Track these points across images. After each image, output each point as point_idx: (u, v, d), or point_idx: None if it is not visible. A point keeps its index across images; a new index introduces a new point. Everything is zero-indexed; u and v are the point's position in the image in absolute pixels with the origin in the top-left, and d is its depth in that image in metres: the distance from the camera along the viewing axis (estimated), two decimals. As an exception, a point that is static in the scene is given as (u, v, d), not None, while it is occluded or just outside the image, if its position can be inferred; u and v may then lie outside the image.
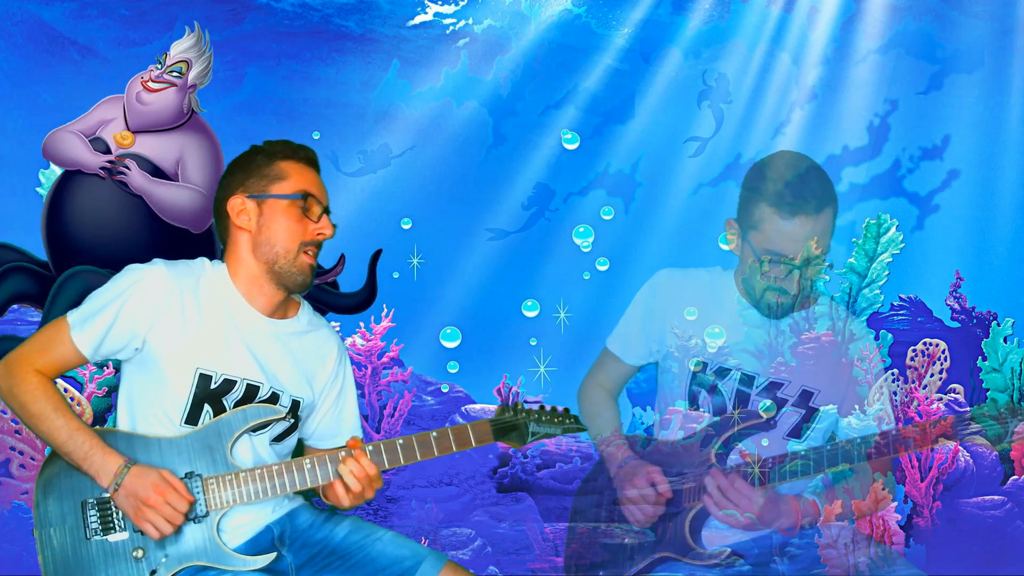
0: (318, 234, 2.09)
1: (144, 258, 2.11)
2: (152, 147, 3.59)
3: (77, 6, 4.44)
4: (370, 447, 2.06)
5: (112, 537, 1.97)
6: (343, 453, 2.04)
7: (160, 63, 3.46)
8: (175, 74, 3.36)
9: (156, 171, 3.57)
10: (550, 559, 4.22)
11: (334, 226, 2.13)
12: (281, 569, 2.08)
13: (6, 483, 3.65)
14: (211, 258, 2.18)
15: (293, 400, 2.12)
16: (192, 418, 2.02)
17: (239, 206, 2.08)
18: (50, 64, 4.39)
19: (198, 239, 3.67)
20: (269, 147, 2.18)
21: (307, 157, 2.17)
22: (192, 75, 3.45)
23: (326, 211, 2.13)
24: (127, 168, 3.40)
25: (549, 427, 2.24)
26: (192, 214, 3.61)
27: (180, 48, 3.53)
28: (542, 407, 2.26)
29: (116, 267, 2.12)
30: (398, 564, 2.10)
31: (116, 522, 1.97)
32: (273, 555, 2.03)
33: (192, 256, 2.17)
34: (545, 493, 4.51)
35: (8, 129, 4.19)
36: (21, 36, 4.39)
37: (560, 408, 2.29)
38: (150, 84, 3.51)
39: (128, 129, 3.54)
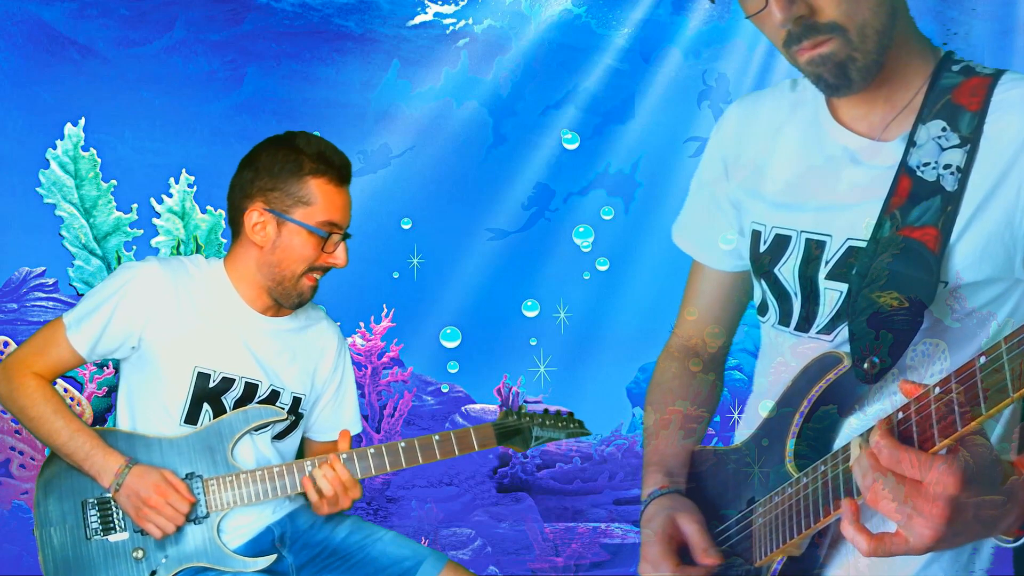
0: (329, 261, 1.99)
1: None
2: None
3: (77, 6, 4.44)
4: (371, 449, 2.05)
5: (112, 537, 1.97)
6: (319, 460, 2.02)
7: None
8: None
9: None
10: (550, 559, 4.22)
11: (348, 252, 1.99)
12: (282, 570, 2.07)
13: (6, 483, 3.66)
14: None
15: (294, 397, 2.11)
16: (191, 417, 2.01)
17: (258, 220, 1.95)
18: (50, 64, 4.39)
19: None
20: (301, 151, 1.94)
21: (340, 176, 1.96)
22: None
23: (346, 236, 1.99)
24: None
25: (553, 431, 2.19)
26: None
27: None
28: (546, 410, 2.21)
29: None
30: (398, 564, 2.10)
31: (116, 522, 1.97)
32: (273, 557, 2.03)
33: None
34: (545, 493, 4.51)
35: (8, 129, 4.19)
36: (21, 36, 4.39)
37: (564, 411, 2.23)
38: None
39: None
